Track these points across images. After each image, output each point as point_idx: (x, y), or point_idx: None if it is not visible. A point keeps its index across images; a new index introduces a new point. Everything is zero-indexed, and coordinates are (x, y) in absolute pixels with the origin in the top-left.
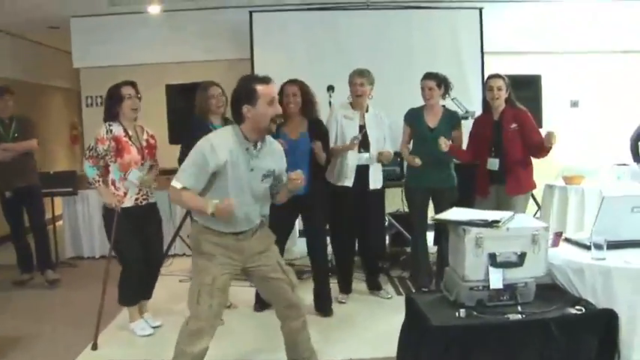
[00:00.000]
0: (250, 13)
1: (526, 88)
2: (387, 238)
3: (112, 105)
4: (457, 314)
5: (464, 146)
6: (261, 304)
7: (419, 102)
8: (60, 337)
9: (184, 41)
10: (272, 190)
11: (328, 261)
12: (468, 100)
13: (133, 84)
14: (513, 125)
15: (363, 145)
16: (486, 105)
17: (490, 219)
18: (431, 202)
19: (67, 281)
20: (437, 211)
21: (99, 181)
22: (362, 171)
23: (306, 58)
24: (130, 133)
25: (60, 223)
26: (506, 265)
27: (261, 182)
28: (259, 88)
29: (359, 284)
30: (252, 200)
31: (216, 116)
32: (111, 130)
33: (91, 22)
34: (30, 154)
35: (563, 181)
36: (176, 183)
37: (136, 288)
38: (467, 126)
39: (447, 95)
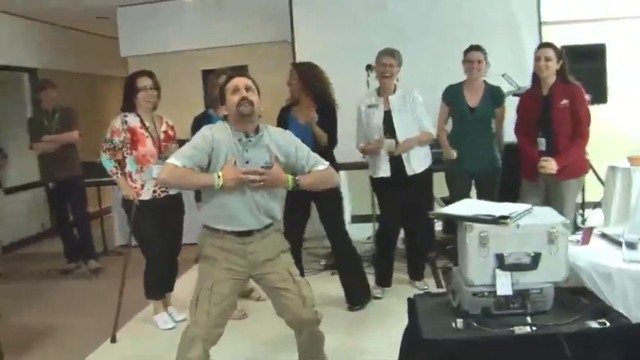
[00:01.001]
0: None
1: (589, 59)
2: (441, 224)
3: (129, 95)
4: (454, 325)
5: (508, 124)
6: None
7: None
8: (86, 328)
9: (225, 25)
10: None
11: (352, 248)
12: (522, 75)
13: (150, 74)
14: (564, 101)
15: (389, 131)
16: (535, 78)
17: (498, 213)
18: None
19: (111, 270)
20: (479, 197)
21: (117, 173)
22: (395, 158)
23: (349, 38)
24: (147, 124)
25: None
26: (516, 267)
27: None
28: (226, 87)
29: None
30: (254, 194)
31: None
32: (126, 122)
33: (136, 10)
34: (72, 146)
35: (628, 162)
36: (176, 161)
37: (160, 281)
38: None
39: (485, 73)
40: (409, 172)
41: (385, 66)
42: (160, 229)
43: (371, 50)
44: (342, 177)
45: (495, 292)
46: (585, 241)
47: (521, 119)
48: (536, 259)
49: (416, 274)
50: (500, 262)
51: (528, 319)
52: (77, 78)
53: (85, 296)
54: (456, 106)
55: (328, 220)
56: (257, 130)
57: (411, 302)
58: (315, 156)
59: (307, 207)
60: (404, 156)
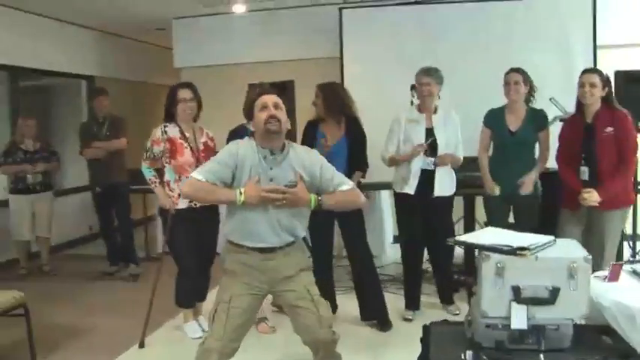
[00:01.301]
0: (340, 9)
1: None
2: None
3: (169, 106)
4: (463, 356)
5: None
6: None
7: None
8: (117, 331)
9: (276, 40)
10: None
11: (371, 265)
12: (574, 100)
13: (190, 86)
14: (608, 129)
15: (431, 148)
16: (578, 105)
17: (516, 244)
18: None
19: (151, 276)
20: (516, 223)
21: (155, 182)
22: (427, 176)
23: (397, 56)
24: (187, 134)
25: None
26: (533, 301)
27: None
28: (255, 103)
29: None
30: (277, 212)
31: None
32: (166, 132)
33: (190, 23)
34: (120, 153)
35: None
36: (199, 176)
37: (190, 290)
38: None
39: (531, 98)
40: (437, 192)
41: (422, 85)
42: (195, 239)
43: (416, 67)
44: (385, 197)
45: (510, 325)
46: (613, 277)
47: (563, 147)
48: (554, 293)
49: (445, 298)
50: (516, 294)
51: (542, 356)
52: (132, 86)
53: (122, 300)
54: (497, 129)
55: (349, 235)
56: (283, 148)
57: (426, 330)
58: (340, 176)
59: (331, 224)
60: (437, 175)
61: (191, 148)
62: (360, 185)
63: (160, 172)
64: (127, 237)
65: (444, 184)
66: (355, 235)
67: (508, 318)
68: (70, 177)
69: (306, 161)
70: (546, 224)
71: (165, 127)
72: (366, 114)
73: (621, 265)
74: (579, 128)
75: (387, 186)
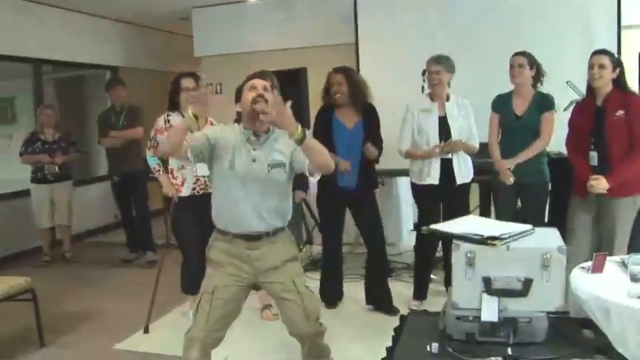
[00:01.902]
0: None
1: None
2: None
3: (173, 95)
4: (428, 348)
5: (559, 134)
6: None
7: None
8: (126, 316)
9: (291, 27)
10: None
11: (383, 256)
12: None
13: (194, 75)
14: (619, 112)
15: (445, 136)
16: (589, 88)
17: (488, 233)
18: None
19: (168, 263)
20: (523, 210)
21: (159, 170)
22: (447, 165)
23: (414, 41)
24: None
25: None
26: (504, 293)
27: (268, 173)
28: (244, 86)
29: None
30: (261, 193)
31: None
32: (169, 121)
33: (209, 12)
34: (136, 142)
35: None
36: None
37: (196, 277)
38: None
39: (539, 82)
40: (459, 180)
41: (432, 73)
42: (199, 227)
43: (435, 52)
44: (402, 183)
45: (480, 317)
46: (597, 268)
47: (572, 131)
48: (527, 285)
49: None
50: (487, 285)
51: (509, 350)
52: (155, 75)
53: (137, 286)
54: (504, 114)
55: (363, 222)
56: (267, 131)
57: (402, 319)
58: None
59: (342, 214)
60: (455, 164)
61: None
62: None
63: (164, 161)
64: (145, 225)
65: (465, 171)
66: (369, 221)
67: (479, 310)
68: (98, 166)
69: (290, 142)
70: (557, 212)
71: (168, 115)
72: (384, 100)
73: (605, 255)
74: (589, 112)
75: (403, 172)
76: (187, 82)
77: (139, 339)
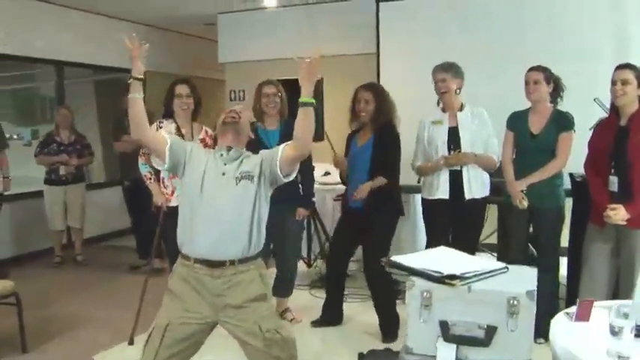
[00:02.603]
0: (377, 2)
1: None
2: None
3: (167, 102)
4: None
5: (577, 155)
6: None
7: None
8: (116, 325)
9: (310, 36)
10: None
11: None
12: None
13: (187, 82)
14: None
15: (454, 147)
16: (613, 106)
17: (448, 270)
18: None
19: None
20: (535, 236)
21: (151, 178)
22: (455, 177)
23: (436, 50)
24: (184, 131)
25: None
26: (464, 341)
27: (236, 186)
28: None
29: None
30: (229, 211)
31: (271, 118)
32: (160, 127)
33: (233, 18)
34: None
35: None
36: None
37: None
38: None
39: (558, 98)
40: (467, 195)
41: (438, 82)
42: None
43: (459, 62)
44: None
45: None
46: (581, 316)
47: (592, 153)
48: (490, 333)
49: None
50: (444, 330)
51: None
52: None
53: (137, 293)
54: (519, 132)
55: (368, 250)
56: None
57: (360, 358)
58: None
59: (352, 234)
60: (465, 177)
61: None
62: None
63: (156, 169)
64: (153, 230)
65: (476, 185)
66: (368, 246)
67: (435, 357)
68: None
69: (262, 156)
70: (579, 242)
71: (160, 122)
72: (406, 112)
73: (591, 301)
74: (611, 132)
75: (419, 189)
76: (181, 89)
77: (122, 350)
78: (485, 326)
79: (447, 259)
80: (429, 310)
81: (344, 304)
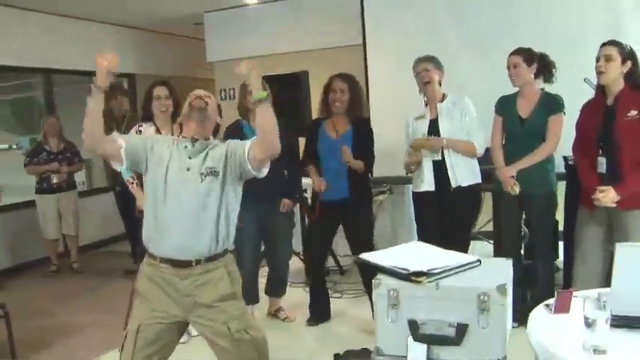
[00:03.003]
0: None
1: None
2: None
3: (146, 104)
4: None
5: (569, 138)
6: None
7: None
8: (108, 332)
9: (295, 30)
10: None
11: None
12: None
13: (166, 84)
14: (632, 112)
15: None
16: (599, 85)
17: (415, 267)
18: None
19: None
20: (528, 224)
21: (133, 183)
22: (439, 168)
23: (425, 40)
24: (163, 132)
25: None
26: (434, 340)
27: (200, 182)
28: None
29: None
30: (195, 208)
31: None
32: (140, 131)
33: (219, 16)
34: None
35: None
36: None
37: None
38: None
39: (551, 77)
40: (453, 183)
41: (421, 72)
42: None
43: (447, 55)
44: None
45: None
46: (560, 308)
47: (579, 134)
48: (460, 331)
49: None
50: (414, 330)
51: None
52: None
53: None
54: (507, 117)
55: (353, 238)
56: (206, 139)
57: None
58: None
59: (334, 231)
60: (448, 165)
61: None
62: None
63: (138, 174)
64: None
65: (461, 173)
66: (359, 234)
67: (406, 358)
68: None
69: (222, 150)
70: (572, 226)
71: (139, 126)
72: (393, 105)
73: (571, 292)
74: (598, 112)
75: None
76: (159, 91)
77: (113, 357)
78: (456, 324)
79: (417, 255)
80: (397, 309)
81: (340, 300)
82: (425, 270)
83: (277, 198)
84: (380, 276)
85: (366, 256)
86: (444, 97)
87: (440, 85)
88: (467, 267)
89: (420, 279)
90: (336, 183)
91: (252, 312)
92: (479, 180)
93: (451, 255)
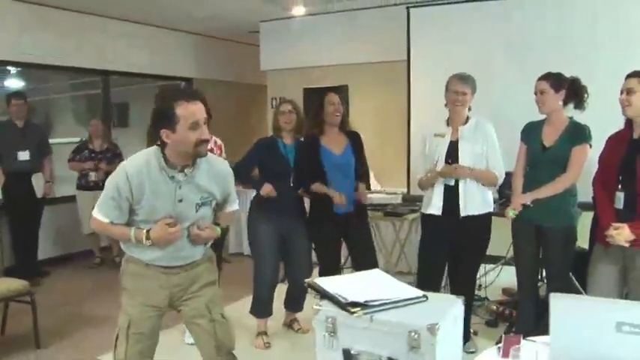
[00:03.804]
0: (408, 9)
1: None
2: None
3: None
4: None
5: (590, 169)
6: None
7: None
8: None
9: (342, 43)
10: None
11: None
12: None
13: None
14: None
15: (453, 161)
16: (627, 118)
17: (355, 297)
18: None
19: None
20: (544, 257)
21: None
22: (451, 194)
23: (470, 57)
24: None
25: None
26: None
27: (196, 213)
28: (178, 109)
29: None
30: (186, 231)
31: (287, 134)
32: None
33: (273, 26)
34: None
35: None
36: (99, 215)
37: None
38: None
39: (582, 104)
40: (462, 212)
41: (458, 94)
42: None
43: (489, 70)
44: None
45: None
46: (505, 352)
47: (601, 167)
48: None
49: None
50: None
51: None
52: (227, 86)
53: None
54: (531, 144)
55: (357, 247)
56: (193, 163)
57: None
58: (234, 192)
59: (338, 239)
60: (461, 192)
61: None
62: None
63: None
64: None
65: (472, 202)
66: (363, 243)
67: None
68: None
69: (222, 173)
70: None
71: None
72: (434, 122)
73: (518, 337)
74: (622, 145)
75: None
76: None
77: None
78: (387, 358)
79: (367, 284)
80: (335, 337)
81: None
82: (362, 301)
83: (293, 215)
84: (323, 302)
85: (317, 280)
86: (467, 119)
87: (470, 109)
88: (410, 302)
89: (355, 309)
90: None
91: (266, 322)
92: (490, 209)
93: (400, 288)
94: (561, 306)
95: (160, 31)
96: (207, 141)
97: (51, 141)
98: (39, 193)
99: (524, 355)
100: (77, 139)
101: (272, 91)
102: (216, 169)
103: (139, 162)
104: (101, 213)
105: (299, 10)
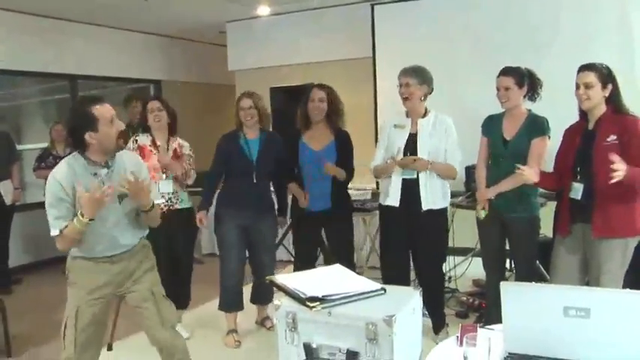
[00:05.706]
0: (372, 6)
1: None
2: None
3: (142, 118)
4: None
5: (551, 160)
6: None
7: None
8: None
9: (307, 42)
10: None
11: None
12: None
13: (158, 98)
14: (611, 137)
15: (411, 154)
16: (581, 110)
17: (313, 292)
18: None
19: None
20: (511, 250)
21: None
22: (410, 187)
23: (437, 54)
24: (159, 143)
25: None
26: None
27: (119, 205)
28: (95, 111)
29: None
30: (117, 225)
31: (250, 129)
32: (136, 141)
33: (239, 26)
34: None
35: None
36: (54, 232)
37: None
38: None
39: (536, 96)
40: (425, 206)
41: (401, 86)
42: (165, 244)
43: (455, 65)
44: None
45: None
46: (462, 342)
47: (558, 158)
48: (351, 358)
49: (435, 326)
50: (308, 354)
51: None
52: (196, 88)
53: None
54: (492, 138)
55: (338, 246)
56: (112, 157)
57: None
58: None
59: (319, 235)
60: (422, 185)
61: (160, 154)
62: None
63: None
64: None
65: (434, 196)
66: (339, 244)
67: None
68: None
69: (135, 165)
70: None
71: (136, 136)
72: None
73: (474, 326)
74: (577, 136)
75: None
76: (152, 105)
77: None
78: (346, 351)
79: (327, 279)
80: (296, 332)
81: None
82: (320, 296)
83: (259, 208)
84: (283, 298)
85: (278, 276)
86: (426, 112)
87: (425, 99)
88: (368, 295)
89: (313, 304)
90: (319, 194)
91: (235, 319)
92: (447, 204)
93: (359, 282)
94: (512, 294)
95: (128, 33)
96: (125, 132)
97: (20, 147)
98: (8, 200)
99: (480, 342)
100: (47, 144)
101: (241, 91)
102: (132, 162)
103: (63, 169)
104: (55, 227)
105: (264, 10)
